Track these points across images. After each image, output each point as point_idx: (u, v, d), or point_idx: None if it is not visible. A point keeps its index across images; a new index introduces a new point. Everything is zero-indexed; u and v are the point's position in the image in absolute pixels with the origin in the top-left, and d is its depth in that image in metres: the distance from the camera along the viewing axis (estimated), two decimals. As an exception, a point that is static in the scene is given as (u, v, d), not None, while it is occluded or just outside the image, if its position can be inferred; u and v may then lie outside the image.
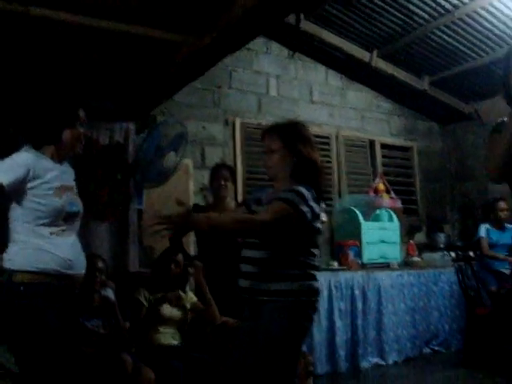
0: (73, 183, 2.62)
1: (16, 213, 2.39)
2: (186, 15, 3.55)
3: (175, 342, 3.61)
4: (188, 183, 5.50)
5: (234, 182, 4.49)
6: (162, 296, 3.67)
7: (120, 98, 4.62)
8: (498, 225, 5.66)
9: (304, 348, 3.99)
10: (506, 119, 1.92)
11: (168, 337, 3.60)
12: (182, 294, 3.75)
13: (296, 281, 2.33)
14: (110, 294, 3.60)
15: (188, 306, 3.73)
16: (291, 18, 5.68)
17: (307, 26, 5.89)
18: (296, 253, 2.37)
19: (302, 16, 5.76)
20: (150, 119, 4.99)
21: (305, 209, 2.30)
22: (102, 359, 3.27)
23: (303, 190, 2.34)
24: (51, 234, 2.38)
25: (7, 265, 2.35)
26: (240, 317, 3.66)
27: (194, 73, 4.20)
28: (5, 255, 2.37)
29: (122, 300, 3.65)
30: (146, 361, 3.33)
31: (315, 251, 2.44)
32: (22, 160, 2.38)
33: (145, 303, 3.60)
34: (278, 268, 2.33)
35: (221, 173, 4.19)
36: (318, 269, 2.46)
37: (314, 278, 2.40)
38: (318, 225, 2.45)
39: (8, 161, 2.37)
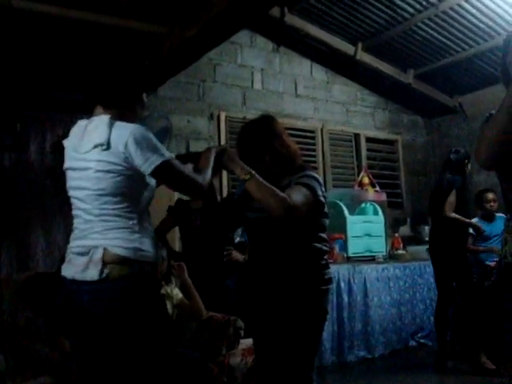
0: None
1: (139, 196, 2.06)
2: (170, 7, 3.52)
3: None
4: (173, 178, 5.45)
5: (219, 176, 4.46)
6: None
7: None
8: (488, 216, 5.65)
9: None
10: (494, 111, 1.92)
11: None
12: (167, 290, 3.72)
13: (318, 270, 2.34)
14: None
15: (174, 301, 3.70)
16: (276, 12, 5.66)
17: (292, 19, 5.87)
18: (314, 239, 2.36)
19: (286, 9, 5.74)
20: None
21: (320, 193, 2.31)
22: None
23: (314, 173, 2.35)
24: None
25: (136, 256, 1.98)
26: (226, 311, 3.67)
27: (179, 65, 4.18)
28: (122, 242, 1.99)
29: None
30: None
31: (325, 236, 2.44)
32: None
33: None
34: (297, 257, 2.31)
35: None
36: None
37: (328, 266, 2.41)
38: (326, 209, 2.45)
39: (152, 137, 2.03)
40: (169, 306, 3.67)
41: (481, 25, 5.69)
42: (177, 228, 4.51)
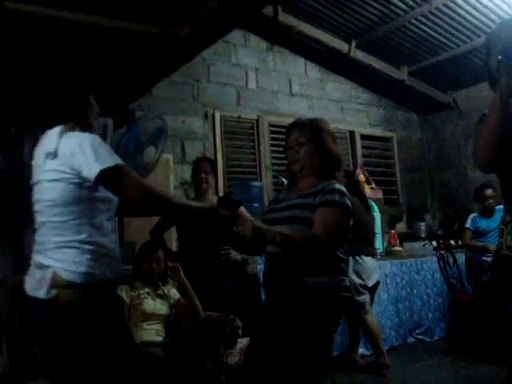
0: None
1: (91, 208, 2.02)
2: (163, 7, 3.51)
3: (160, 339, 3.57)
4: (168, 178, 5.45)
5: (216, 175, 4.45)
6: (144, 292, 3.63)
7: (97, 92, 4.56)
8: (487, 212, 5.63)
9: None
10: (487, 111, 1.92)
11: (152, 333, 3.56)
12: (164, 289, 3.71)
13: (333, 275, 2.31)
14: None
15: (171, 302, 3.70)
16: (269, 10, 5.65)
17: (285, 17, 5.86)
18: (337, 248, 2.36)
19: (279, 8, 5.73)
20: (129, 114, 4.93)
21: (349, 203, 2.32)
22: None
23: (341, 186, 2.35)
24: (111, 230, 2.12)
25: (83, 280, 1.97)
26: (224, 311, 3.66)
27: (173, 65, 4.16)
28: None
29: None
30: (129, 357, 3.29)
31: (344, 245, 2.43)
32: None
33: (126, 300, 3.56)
34: (315, 261, 2.29)
35: (201, 166, 4.15)
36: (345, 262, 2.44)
37: (346, 273, 2.39)
38: None
39: (99, 143, 1.98)
40: (166, 307, 3.67)
41: (474, 21, 5.70)
42: (173, 228, 4.51)
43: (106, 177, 1.91)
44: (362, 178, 6.57)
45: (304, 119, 2.56)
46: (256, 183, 5.79)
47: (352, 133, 7.00)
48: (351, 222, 2.39)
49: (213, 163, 4.38)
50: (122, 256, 2.22)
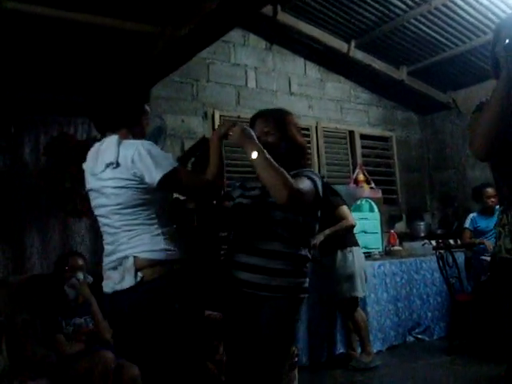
0: None
1: (155, 203, 2.15)
2: (162, 6, 3.51)
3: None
4: (168, 177, 5.45)
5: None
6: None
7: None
8: (487, 211, 5.62)
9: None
10: (485, 100, 1.93)
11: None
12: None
13: (297, 277, 2.30)
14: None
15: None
16: (268, 10, 5.66)
17: (284, 17, 5.87)
18: (302, 243, 2.33)
19: (278, 7, 5.74)
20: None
21: (320, 191, 2.31)
22: (84, 356, 3.24)
23: (314, 172, 2.36)
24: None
25: (165, 256, 2.10)
26: (222, 310, 3.66)
27: (172, 65, 4.17)
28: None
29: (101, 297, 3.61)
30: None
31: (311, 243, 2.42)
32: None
33: None
34: (282, 262, 2.27)
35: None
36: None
37: (307, 275, 2.37)
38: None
39: (155, 149, 2.11)
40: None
41: (473, 21, 5.70)
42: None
43: (167, 182, 2.07)
44: (361, 177, 6.58)
45: (268, 110, 2.55)
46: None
47: (351, 132, 7.00)
48: (319, 213, 2.37)
49: None
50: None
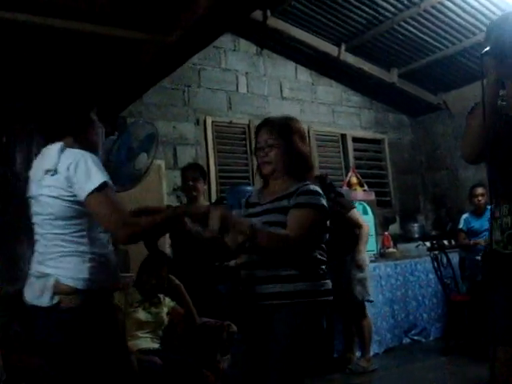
0: None
1: (89, 221, 2.07)
2: (151, 13, 3.51)
3: (156, 346, 3.56)
4: (161, 184, 5.44)
5: (208, 181, 4.45)
6: (138, 300, 3.61)
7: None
8: (478, 211, 5.63)
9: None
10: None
11: (147, 341, 3.55)
12: (160, 297, 3.70)
13: (312, 280, 2.25)
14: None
15: (165, 309, 3.69)
16: (258, 15, 5.67)
17: (274, 22, 5.88)
18: (314, 247, 2.30)
19: (268, 12, 5.75)
20: (120, 121, 4.92)
21: (325, 204, 2.28)
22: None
23: (315, 188, 2.31)
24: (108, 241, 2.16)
25: (85, 286, 2.01)
26: (219, 317, 3.65)
27: (163, 71, 4.16)
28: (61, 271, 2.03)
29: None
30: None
31: (324, 246, 2.38)
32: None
33: (121, 307, 3.55)
34: (292, 268, 2.22)
35: (188, 174, 4.17)
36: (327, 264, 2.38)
37: (326, 276, 2.32)
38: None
39: (90, 163, 2.03)
40: (160, 314, 3.66)
41: (463, 22, 5.73)
42: (167, 235, 4.49)
43: (92, 199, 1.98)
44: (354, 180, 6.59)
45: (273, 119, 2.48)
46: (249, 188, 5.77)
47: (344, 136, 7.01)
48: (328, 223, 2.35)
49: (202, 169, 4.36)
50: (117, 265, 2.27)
